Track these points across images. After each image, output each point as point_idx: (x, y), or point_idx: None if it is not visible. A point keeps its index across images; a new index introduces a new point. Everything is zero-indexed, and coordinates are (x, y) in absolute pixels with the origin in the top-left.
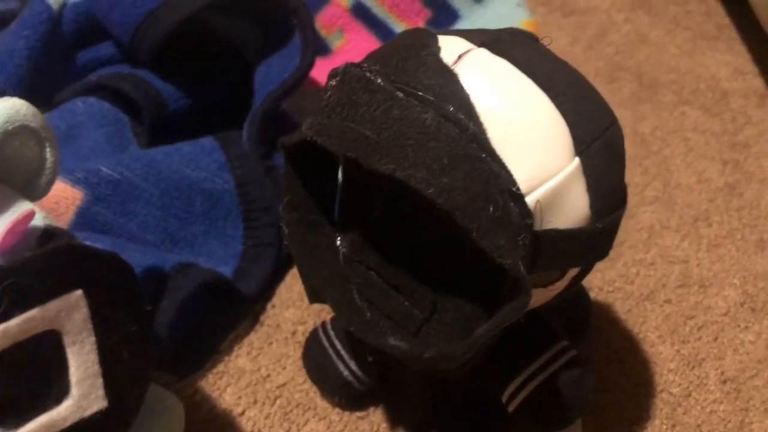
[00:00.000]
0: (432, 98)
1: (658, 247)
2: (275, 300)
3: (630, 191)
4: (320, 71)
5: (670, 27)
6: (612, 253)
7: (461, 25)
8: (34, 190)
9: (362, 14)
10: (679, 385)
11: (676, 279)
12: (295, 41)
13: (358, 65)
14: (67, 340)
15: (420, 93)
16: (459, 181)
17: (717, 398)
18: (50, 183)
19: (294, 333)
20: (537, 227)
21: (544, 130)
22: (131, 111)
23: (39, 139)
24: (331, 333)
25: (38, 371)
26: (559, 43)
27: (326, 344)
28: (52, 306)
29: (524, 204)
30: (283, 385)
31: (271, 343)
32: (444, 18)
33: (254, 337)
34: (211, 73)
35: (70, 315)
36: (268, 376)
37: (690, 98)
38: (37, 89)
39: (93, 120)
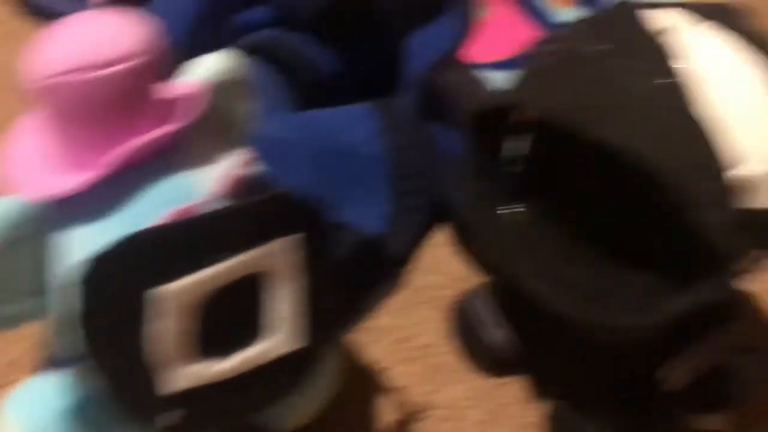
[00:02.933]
0: (653, 69)
1: None
2: (419, 264)
3: None
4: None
5: None
6: None
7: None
8: (237, 140)
9: None
10: None
11: None
12: (452, 11)
13: (568, 35)
14: (277, 280)
15: (633, 63)
16: (672, 156)
17: None
18: (250, 134)
19: (438, 297)
20: (755, 206)
21: (765, 105)
22: (286, 75)
23: (245, 91)
24: (481, 299)
25: (248, 308)
26: None
27: (476, 311)
28: (270, 247)
29: (739, 181)
30: (428, 345)
31: (415, 305)
32: None
33: (399, 298)
34: (361, 40)
35: (284, 257)
36: (412, 336)
37: None
38: (195, 51)
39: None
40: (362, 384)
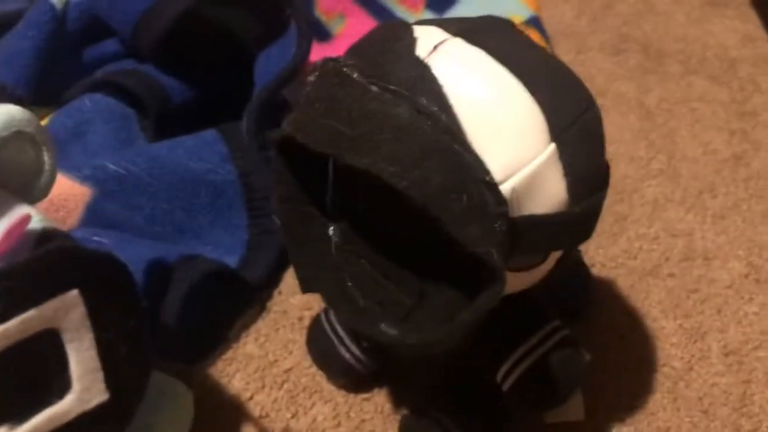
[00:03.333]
0: (405, 91)
1: (662, 220)
2: (282, 286)
3: (634, 165)
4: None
5: None
6: (615, 229)
7: (462, 4)
8: (32, 193)
9: None
10: (681, 358)
11: (680, 252)
12: (291, 31)
13: (336, 60)
14: (66, 338)
15: (393, 87)
16: (431, 174)
17: (719, 371)
18: (49, 185)
19: (300, 318)
20: (514, 214)
21: (518, 118)
22: (138, 106)
23: (35, 143)
24: (333, 319)
25: (40, 368)
26: (564, 17)
27: (329, 330)
28: (49, 306)
29: (499, 192)
30: (290, 369)
31: (278, 329)
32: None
33: (262, 324)
34: (214, 66)
35: (68, 313)
36: (276, 361)
37: (697, 68)
38: (45, 88)
39: (100, 116)
40: (224, 416)
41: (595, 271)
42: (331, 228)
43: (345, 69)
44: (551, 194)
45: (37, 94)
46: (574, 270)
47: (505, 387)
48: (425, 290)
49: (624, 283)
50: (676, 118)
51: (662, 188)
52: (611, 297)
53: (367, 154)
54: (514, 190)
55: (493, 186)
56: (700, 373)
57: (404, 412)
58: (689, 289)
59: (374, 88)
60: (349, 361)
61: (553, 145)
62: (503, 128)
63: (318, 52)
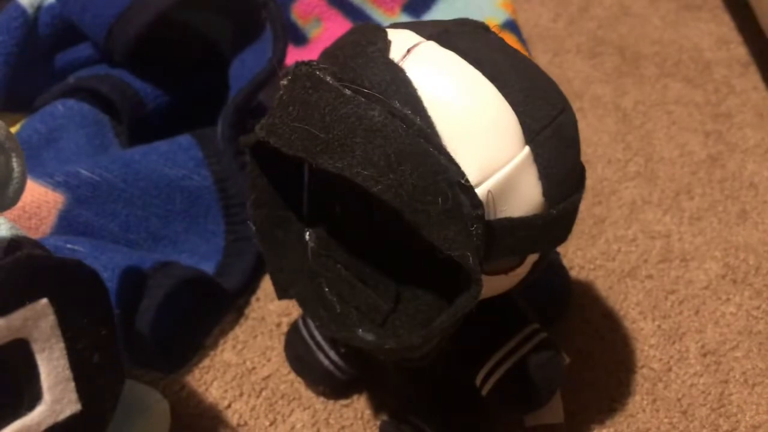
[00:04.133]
0: (379, 95)
1: (640, 222)
2: (259, 293)
3: (611, 167)
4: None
5: None
6: (593, 231)
7: (438, 8)
8: (1, 201)
9: (338, 2)
10: (660, 360)
11: (658, 254)
12: (266, 35)
13: (308, 63)
14: (35, 347)
15: (367, 90)
16: (406, 177)
17: (697, 371)
18: (18, 193)
19: (278, 325)
20: (490, 217)
21: (492, 120)
22: (111, 111)
23: (4, 150)
24: (311, 325)
25: (9, 379)
26: (541, 20)
27: (306, 336)
28: (18, 315)
29: (474, 195)
30: (268, 376)
31: (255, 336)
32: (421, 2)
33: (239, 331)
34: (189, 70)
35: (37, 323)
36: (254, 368)
37: (672, 70)
38: (16, 94)
39: (73, 122)
40: (202, 425)
41: (574, 273)
42: (308, 233)
43: (318, 72)
44: (527, 197)
45: (9, 100)
46: (553, 272)
47: (484, 391)
48: (402, 294)
49: (602, 285)
50: (653, 121)
51: (639, 190)
52: (590, 299)
53: (340, 157)
54: (489, 193)
55: (468, 188)
56: (678, 374)
57: (384, 417)
58: (667, 291)
59: (347, 92)
60: (328, 367)
61: (527, 148)
62: (477, 131)
63: (294, 56)
